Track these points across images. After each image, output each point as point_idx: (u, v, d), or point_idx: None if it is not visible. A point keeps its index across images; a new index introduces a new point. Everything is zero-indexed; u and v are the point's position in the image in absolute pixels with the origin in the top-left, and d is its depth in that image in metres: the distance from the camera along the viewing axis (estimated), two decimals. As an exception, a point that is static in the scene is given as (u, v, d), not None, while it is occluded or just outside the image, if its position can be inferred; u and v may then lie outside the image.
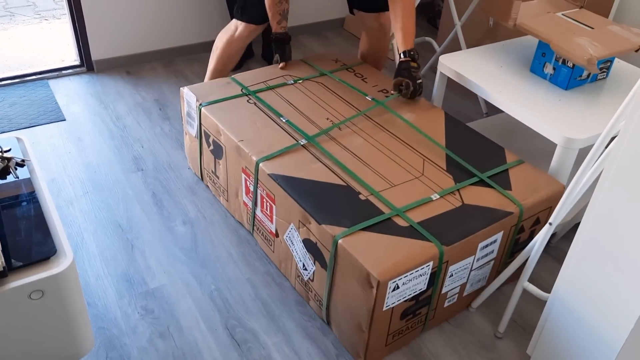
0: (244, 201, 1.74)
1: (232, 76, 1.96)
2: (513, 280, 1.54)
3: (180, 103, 2.41)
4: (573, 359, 1.28)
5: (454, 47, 2.40)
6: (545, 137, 1.61)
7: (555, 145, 1.59)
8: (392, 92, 1.87)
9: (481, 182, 1.54)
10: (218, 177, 1.85)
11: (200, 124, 1.83)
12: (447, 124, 1.76)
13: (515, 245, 1.56)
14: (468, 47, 2.47)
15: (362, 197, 1.47)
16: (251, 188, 1.65)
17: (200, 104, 1.80)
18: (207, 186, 1.96)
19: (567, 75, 1.75)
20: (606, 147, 1.17)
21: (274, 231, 1.62)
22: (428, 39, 2.73)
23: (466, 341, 1.51)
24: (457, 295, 1.51)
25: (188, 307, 1.55)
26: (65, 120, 2.29)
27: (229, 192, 1.82)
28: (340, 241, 1.33)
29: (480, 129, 1.84)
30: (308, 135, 1.67)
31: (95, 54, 2.62)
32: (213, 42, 2.14)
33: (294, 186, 1.49)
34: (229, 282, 1.63)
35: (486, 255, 1.48)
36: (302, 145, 1.64)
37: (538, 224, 1.57)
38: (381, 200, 1.45)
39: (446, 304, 1.50)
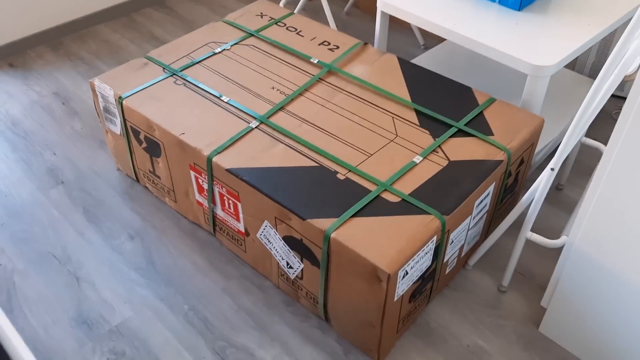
0: (197, 200, 1.51)
1: (148, 54, 1.66)
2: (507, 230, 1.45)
3: (86, 93, 2.08)
4: (597, 308, 1.21)
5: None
6: (504, 65, 1.48)
7: (516, 72, 1.47)
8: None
9: (460, 132, 1.40)
10: (159, 177, 1.59)
11: (124, 119, 1.55)
12: (404, 71, 1.59)
13: (504, 191, 1.45)
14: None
15: (340, 176, 1.29)
16: (205, 186, 1.42)
17: (120, 97, 1.51)
18: (146, 187, 1.70)
19: (518, -5, 1.61)
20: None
21: (242, 230, 1.41)
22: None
23: (471, 303, 1.42)
24: (456, 259, 1.40)
25: (164, 338, 1.34)
26: (-51, 138, 1.91)
27: (176, 192, 1.58)
28: (333, 235, 1.16)
29: (431, 67, 1.68)
30: (259, 114, 1.44)
31: (-34, 50, 2.18)
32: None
33: (261, 178, 1.28)
34: (203, 297, 1.42)
35: (481, 210, 1.36)
36: (255, 127, 1.41)
37: (522, 164, 1.47)
38: (362, 176, 1.28)
39: (447, 271, 1.39)
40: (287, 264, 1.34)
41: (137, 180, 1.71)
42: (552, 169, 1.20)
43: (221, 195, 1.40)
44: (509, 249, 1.54)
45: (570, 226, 1.28)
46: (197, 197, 1.49)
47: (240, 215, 1.38)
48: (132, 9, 2.56)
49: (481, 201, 1.33)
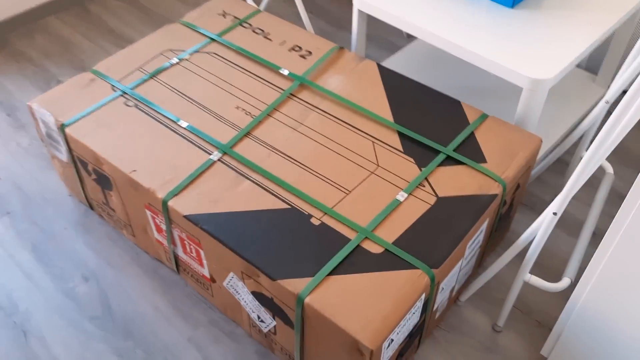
0: (157, 239, 1.34)
1: (94, 68, 1.46)
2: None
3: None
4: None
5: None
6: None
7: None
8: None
9: (449, 159, 1.24)
10: (114, 210, 1.42)
11: (69, 148, 1.36)
12: (385, 82, 1.41)
13: (499, 220, 1.31)
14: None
15: (314, 220, 1.13)
16: (163, 227, 1.26)
17: (62, 125, 1.32)
18: (102, 217, 1.53)
19: (512, -9, 1.43)
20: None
21: (208, 276, 1.26)
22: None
23: (465, 346, 1.29)
24: (447, 302, 1.26)
25: (124, 403, 1.20)
26: None
27: (133, 227, 1.41)
28: (307, 300, 1.01)
29: (412, 65, 1.51)
30: (221, 143, 1.27)
31: None
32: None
33: (224, 227, 1.12)
34: (167, 349, 1.28)
35: (473, 249, 1.22)
36: (217, 160, 1.24)
37: (518, 189, 1.31)
38: (340, 220, 1.12)
39: (437, 316, 1.25)
40: (259, 317, 1.19)
41: (91, 207, 1.54)
42: (555, 214, 1.05)
43: (181, 239, 1.23)
44: (503, 279, 1.40)
45: (572, 268, 1.14)
46: (156, 235, 1.33)
47: (204, 262, 1.22)
48: (85, -3, 2.31)
49: (474, 240, 1.18)
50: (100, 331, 1.31)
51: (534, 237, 1.12)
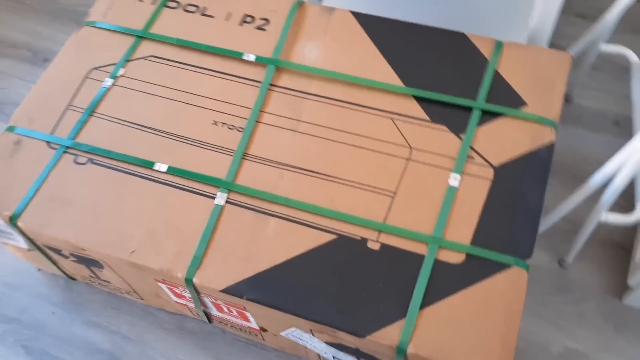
0: (176, 302, 1.13)
1: (11, 125, 1.13)
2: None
3: None
4: None
5: None
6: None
7: None
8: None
9: (485, 114, 1.06)
10: (109, 282, 1.18)
11: (30, 239, 1.08)
12: (372, 36, 1.16)
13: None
14: None
15: (372, 245, 0.95)
16: (186, 295, 1.04)
17: (10, 218, 1.03)
18: (91, 285, 1.28)
19: None
20: None
21: (257, 328, 1.08)
22: None
23: (541, 294, 1.21)
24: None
25: None
26: None
27: (140, 293, 1.18)
28: (410, 349, 0.86)
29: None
30: (219, 179, 1.02)
31: None
32: None
33: (272, 289, 0.92)
34: (238, 415, 1.13)
35: (534, 202, 1.09)
36: (225, 203, 1.00)
37: (552, 114, 1.17)
38: (400, 234, 0.95)
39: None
40: (334, 357, 1.04)
41: (72, 278, 1.28)
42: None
43: (216, 305, 1.03)
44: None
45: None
46: (176, 299, 1.11)
47: (251, 319, 1.04)
48: None
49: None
50: (154, 423, 1.13)
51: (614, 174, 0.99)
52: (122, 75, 1.16)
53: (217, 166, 1.04)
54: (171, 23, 1.23)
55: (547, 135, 1.02)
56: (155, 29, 1.22)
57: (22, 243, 1.12)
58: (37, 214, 1.02)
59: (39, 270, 1.32)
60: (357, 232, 0.96)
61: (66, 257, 1.11)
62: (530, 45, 1.14)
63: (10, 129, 1.12)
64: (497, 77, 1.09)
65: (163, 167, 1.04)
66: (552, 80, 1.08)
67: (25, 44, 1.71)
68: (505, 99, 1.07)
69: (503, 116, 1.05)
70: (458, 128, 1.04)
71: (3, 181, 1.06)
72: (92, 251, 1.00)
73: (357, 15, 1.20)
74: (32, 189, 1.04)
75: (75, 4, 1.79)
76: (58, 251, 1.09)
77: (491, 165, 1.00)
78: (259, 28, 1.20)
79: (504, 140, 1.02)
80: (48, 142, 1.10)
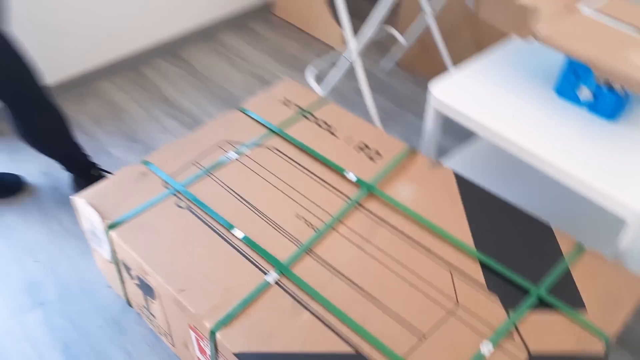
0: (198, 357, 1.20)
1: (146, 159, 1.36)
2: None
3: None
4: None
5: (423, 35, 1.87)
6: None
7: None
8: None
9: (541, 303, 1.07)
10: (154, 316, 1.29)
11: (113, 250, 1.25)
12: (464, 197, 1.26)
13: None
14: (443, 36, 1.94)
15: (384, 373, 0.97)
16: (208, 351, 1.12)
17: (108, 226, 1.21)
18: (140, 314, 1.40)
19: (614, 102, 1.28)
20: None
21: (253, 413, 1.11)
22: (388, 27, 2.17)
23: None
24: None
25: None
26: None
27: (173, 338, 1.27)
28: None
29: (483, 164, 1.35)
30: (279, 261, 1.13)
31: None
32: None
33: (279, 373, 0.97)
34: None
35: (566, 412, 1.04)
36: (274, 283, 1.10)
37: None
38: (414, 375, 0.96)
39: None
40: None
41: (129, 304, 1.42)
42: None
43: (228, 371, 1.09)
44: None
45: None
46: (198, 354, 1.19)
47: (252, 400, 1.07)
48: (141, 61, 2.26)
49: (570, 406, 1.00)
50: None
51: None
52: (245, 155, 1.36)
53: (282, 250, 1.15)
54: (302, 130, 1.43)
55: (594, 345, 1.00)
56: (288, 130, 1.42)
57: (106, 253, 1.29)
58: (128, 230, 1.19)
59: (109, 287, 1.48)
60: (374, 356, 0.99)
61: (132, 278, 1.26)
62: (613, 261, 1.14)
63: (145, 162, 1.35)
64: (567, 275, 1.11)
65: (240, 234, 1.18)
66: (621, 299, 1.07)
67: (192, 113, 2.04)
68: (567, 297, 1.07)
69: (558, 311, 1.05)
70: (509, 304, 1.06)
71: (118, 197, 1.26)
72: (151, 277, 1.13)
73: (458, 177, 1.30)
74: (134, 212, 1.23)
75: (242, 98, 2.11)
76: (128, 269, 1.24)
77: (528, 350, 0.99)
78: (370, 157, 1.35)
79: (550, 332, 1.02)
80: (164, 182, 1.30)
